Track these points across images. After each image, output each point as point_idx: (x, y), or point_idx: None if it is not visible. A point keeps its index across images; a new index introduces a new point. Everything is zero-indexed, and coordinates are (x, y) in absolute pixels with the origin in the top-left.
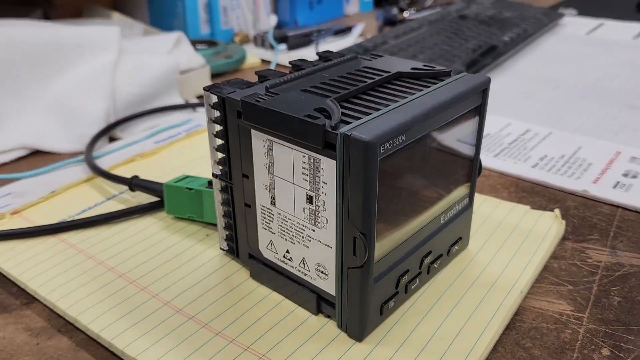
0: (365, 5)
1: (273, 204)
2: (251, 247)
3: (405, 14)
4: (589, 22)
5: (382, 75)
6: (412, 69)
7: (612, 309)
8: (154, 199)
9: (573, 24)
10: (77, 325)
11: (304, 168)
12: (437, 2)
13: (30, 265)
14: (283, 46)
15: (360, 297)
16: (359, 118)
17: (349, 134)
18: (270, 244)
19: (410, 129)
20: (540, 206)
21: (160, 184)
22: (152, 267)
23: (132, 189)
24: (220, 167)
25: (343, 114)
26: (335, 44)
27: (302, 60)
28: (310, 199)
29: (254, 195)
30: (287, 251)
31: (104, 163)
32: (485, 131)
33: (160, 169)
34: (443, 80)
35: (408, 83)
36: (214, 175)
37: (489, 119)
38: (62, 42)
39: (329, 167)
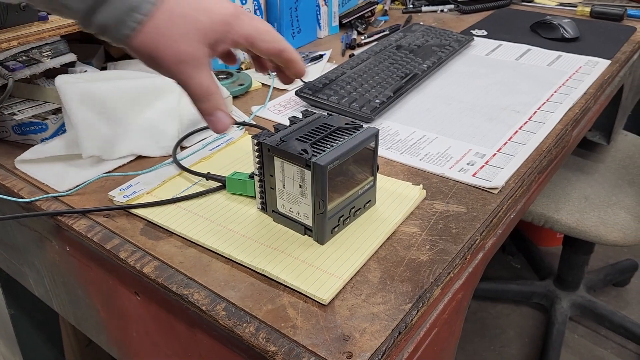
0: (333, 29)
1: (284, 187)
2: (273, 207)
3: (362, 38)
4: (491, 44)
5: (330, 128)
6: (345, 123)
7: (437, 230)
8: (218, 184)
9: (479, 45)
10: (198, 243)
11: (297, 173)
12: (386, 24)
13: (167, 218)
14: None
15: (322, 226)
16: (320, 153)
17: (315, 161)
18: (283, 205)
19: (341, 157)
20: (417, 182)
21: (223, 177)
22: (225, 217)
23: (207, 179)
24: (258, 170)
25: (313, 151)
26: (311, 69)
27: (294, 117)
28: (300, 186)
29: (275, 184)
30: (291, 208)
31: (183, 164)
32: (398, 137)
33: (217, 167)
34: (358, 130)
35: (342, 132)
36: (254, 173)
37: (402, 128)
38: (148, 89)
39: (307, 174)
